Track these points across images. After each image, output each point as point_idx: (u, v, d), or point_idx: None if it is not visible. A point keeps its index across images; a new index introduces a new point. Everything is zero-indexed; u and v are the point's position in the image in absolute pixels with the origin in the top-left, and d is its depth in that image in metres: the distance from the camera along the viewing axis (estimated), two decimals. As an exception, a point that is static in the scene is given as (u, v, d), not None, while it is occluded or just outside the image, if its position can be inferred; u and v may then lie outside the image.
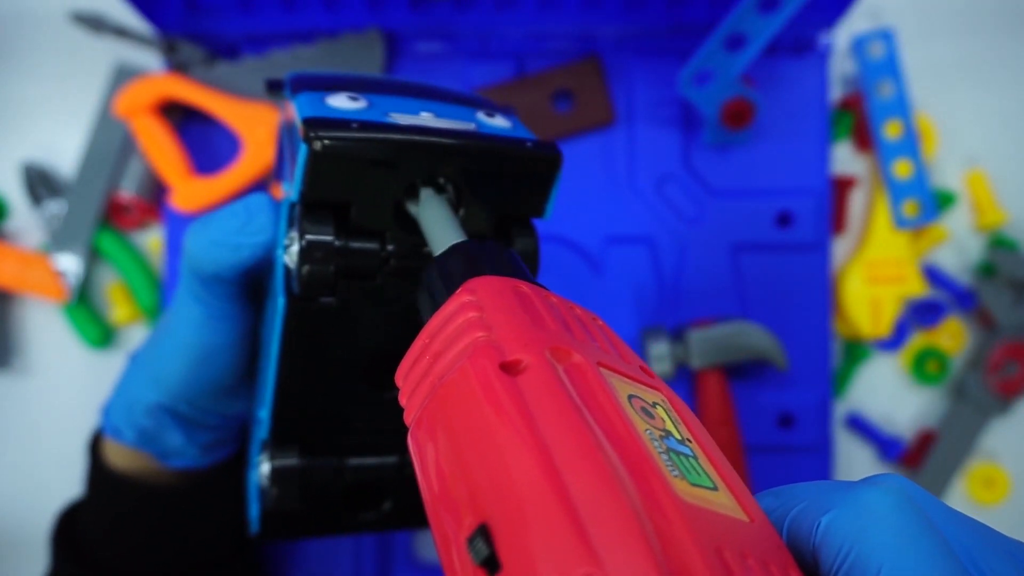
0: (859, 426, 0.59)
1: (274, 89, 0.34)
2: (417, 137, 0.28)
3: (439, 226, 0.28)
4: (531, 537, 0.16)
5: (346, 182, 0.28)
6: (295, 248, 0.28)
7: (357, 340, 0.32)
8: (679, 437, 0.20)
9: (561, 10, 0.55)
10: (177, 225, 0.57)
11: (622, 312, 0.57)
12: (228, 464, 0.45)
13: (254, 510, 0.36)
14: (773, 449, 0.57)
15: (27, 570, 0.60)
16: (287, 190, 0.31)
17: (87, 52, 0.60)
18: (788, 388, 0.57)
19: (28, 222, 0.60)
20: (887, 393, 0.60)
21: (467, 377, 0.19)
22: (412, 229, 0.29)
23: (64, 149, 0.60)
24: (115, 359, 0.60)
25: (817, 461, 0.57)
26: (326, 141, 0.27)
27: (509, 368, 0.19)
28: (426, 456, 0.20)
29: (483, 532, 0.17)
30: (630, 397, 0.20)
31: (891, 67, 0.58)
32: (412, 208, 0.30)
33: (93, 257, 0.59)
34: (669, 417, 0.21)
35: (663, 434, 0.19)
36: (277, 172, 0.36)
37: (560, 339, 0.20)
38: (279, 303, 0.30)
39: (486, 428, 0.18)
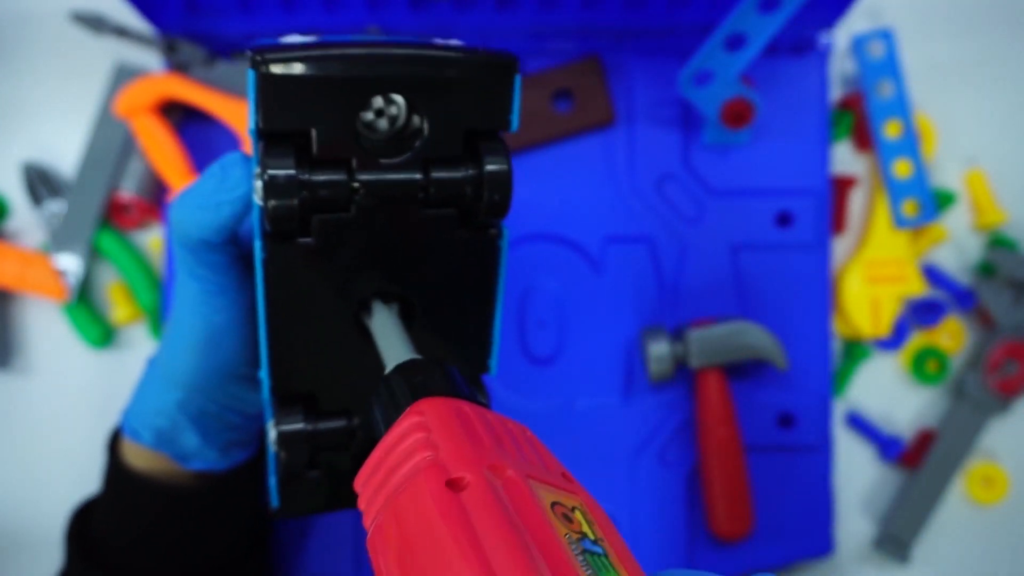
0: (858, 425, 0.60)
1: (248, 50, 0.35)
2: (364, 49, 0.27)
3: (389, 341, 0.29)
4: None
5: (302, 107, 0.27)
6: (259, 184, 0.28)
7: (346, 282, 0.32)
8: (593, 538, 0.23)
9: (561, 10, 0.55)
10: (177, 225, 0.57)
11: (622, 312, 0.57)
12: (246, 467, 0.45)
13: (272, 482, 0.36)
14: (773, 449, 0.57)
15: (28, 569, 0.60)
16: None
17: (87, 52, 0.60)
18: (788, 388, 0.57)
19: (29, 222, 0.60)
20: (887, 392, 0.60)
21: (417, 495, 0.22)
22: (379, 154, 0.29)
23: (64, 149, 0.60)
24: (116, 359, 0.60)
25: (817, 461, 0.57)
26: (272, 62, 0.26)
27: (453, 485, 0.22)
28: (380, 562, 0.23)
29: None
30: (553, 504, 0.23)
31: (891, 67, 0.58)
32: (366, 320, 0.32)
33: (93, 257, 0.59)
34: (585, 519, 0.24)
35: (579, 536, 0.23)
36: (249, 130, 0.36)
37: (495, 456, 0.24)
38: (256, 247, 0.30)
39: (434, 542, 0.21)
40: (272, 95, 0.27)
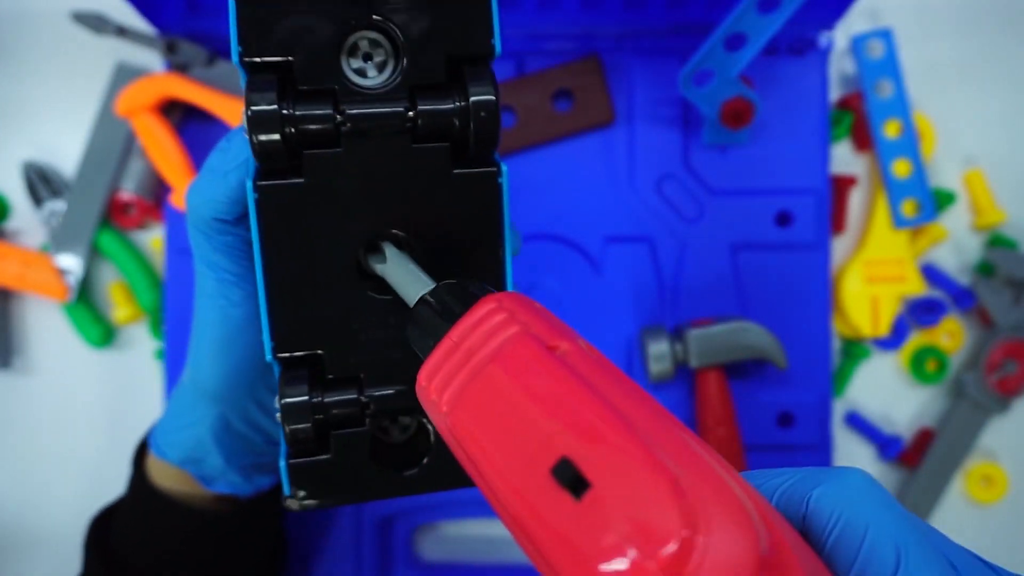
0: (858, 425, 0.60)
1: None
2: None
3: (410, 277, 0.29)
4: (615, 457, 0.20)
5: (280, 32, 0.27)
6: (244, 119, 0.28)
7: (344, 223, 0.30)
8: None
9: (561, 10, 0.56)
10: (178, 224, 0.57)
11: (622, 312, 0.57)
12: (268, 495, 0.45)
13: (281, 465, 0.33)
14: (772, 448, 0.57)
15: (29, 568, 0.60)
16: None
17: (88, 52, 0.60)
18: (787, 387, 0.57)
19: (29, 222, 0.60)
20: (886, 392, 0.61)
21: (520, 354, 0.23)
22: (365, 87, 0.29)
23: (65, 149, 0.60)
24: (116, 358, 0.60)
25: (816, 460, 0.57)
26: None
27: (552, 351, 0.23)
28: (471, 430, 0.23)
29: (565, 463, 0.20)
30: None
31: (890, 67, 0.58)
32: (377, 266, 0.31)
33: (94, 256, 0.59)
34: None
35: None
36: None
37: (578, 336, 0.24)
38: (248, 188, 0.29)
39: (551, 387, 0.22)
40: (250, 21, 0.27)
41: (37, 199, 0.58)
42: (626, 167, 0.57)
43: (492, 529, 0.60)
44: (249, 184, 0.29)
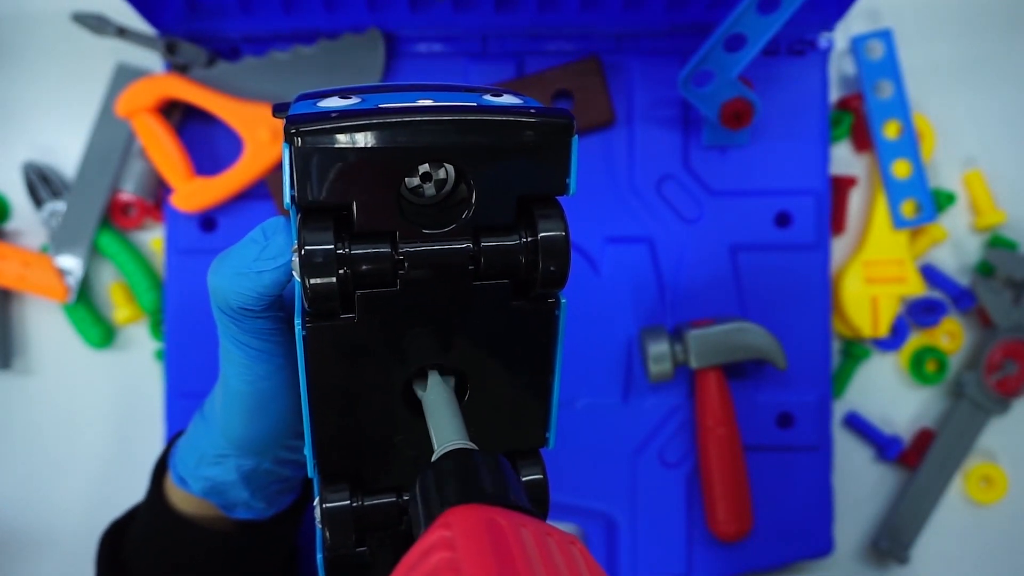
0: (857, 425, 0.60)
1: (280, 112, 0.32)
2: (407, 117, 0.25)
3: (441, 419, 0.27)
4: None
5: (340, 179, 0.25)
6: (296, 260, 0.26)
7: (392, 357, 0.29)
8: None
9: (561, 10, 0.56)
10: (178, 225, 0.57)
11: (622, 312, 0.57)
12: (287, 514, 0.45)
13: (319, 558, 0.33)
14: (772, 449, 0.57)
15: (31, 568, 0.60)
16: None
17: (88, 53, 0.60)
18: (787, 388, 0.57)
19: (30, 222, 0.60)
20: (886, 393, 0.61)
21: None
22: (424, 224, 0.27)
23: (66, 149, 0.60)
24: (117, 359, 0.60)
25: (816, 461, 0.57)
26: (305, 134, 0.25)
27: None
28: None
29: None
30: None
31: (890, 67, 0.58)
32: (419, 392, 0.30)
33: (94, 257, 0.59)
34: None
35: None
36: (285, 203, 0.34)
37: None
38: (296, 325, 0.28)
39: None
40: (309, 168, 0.25)
41: (37, 200, 0.58)
42: (626, 167, 0.57)
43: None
44: (298, 322, 0.28)
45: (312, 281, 0.26)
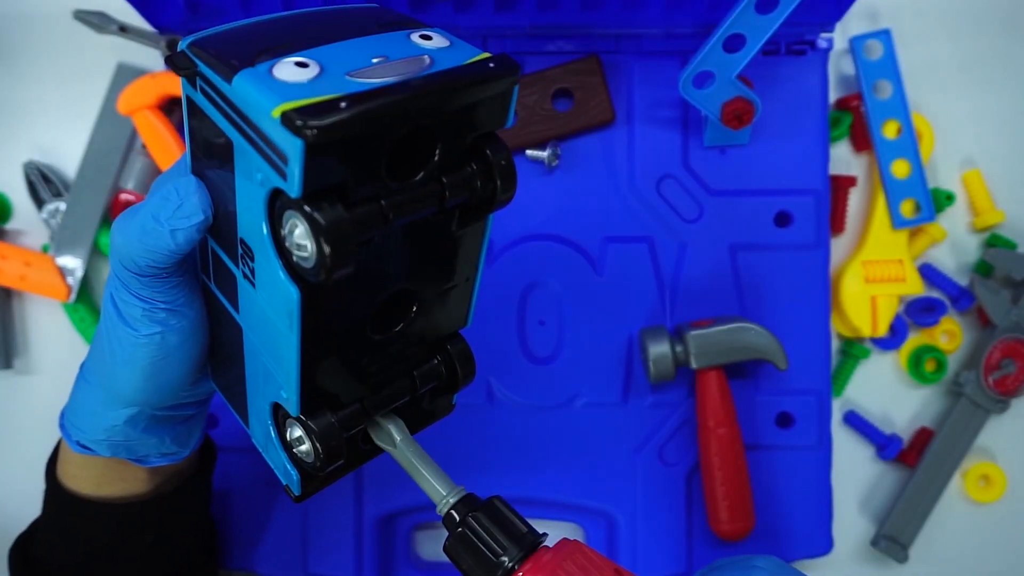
0: (857, 424, 0.60)
1: (179, 64, 0.30)
2: (400, 96, 0.27)
3: (429, 474, 0.36)
4: None
5: (341, 160, 0.27)
6: (309, 244, 0.27)
7: (367, 293, 0.33)
8: None
9: (561, 10, 0.56)
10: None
11: (622, 312, 0.57)
12: (193, 477, 0.46)
13: (293, 475, 0.37)
14: (772, 448, 0.57)
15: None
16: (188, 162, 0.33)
17: (89, 53, 0.60)
18: (787, 388, 0.57)
19: (31, 222, 0.60)
20: (885, 392, 0.61)
21: None
22: (397, 176, 0.30)
23: (67, 149, 0.60)
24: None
25: (815, 460, 0.57)
26: (318, 129, 0.25)
27: None
28: None
29: None
30: None
31: (889, 67, 0.58)
32: (380, 442, 0.37)
33: (95, 256, 0.59)
34: None
35: None
36: (197, 153, 0.33)
37: None
38: (291, 294, 0.29)
39: None
40: (318, 158, 0.26)
41: (38, 199, 0.59)
42: (626, 167, 0.58)
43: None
44: (294, 291, 0.29)
45: (337, 257, 0.28)
